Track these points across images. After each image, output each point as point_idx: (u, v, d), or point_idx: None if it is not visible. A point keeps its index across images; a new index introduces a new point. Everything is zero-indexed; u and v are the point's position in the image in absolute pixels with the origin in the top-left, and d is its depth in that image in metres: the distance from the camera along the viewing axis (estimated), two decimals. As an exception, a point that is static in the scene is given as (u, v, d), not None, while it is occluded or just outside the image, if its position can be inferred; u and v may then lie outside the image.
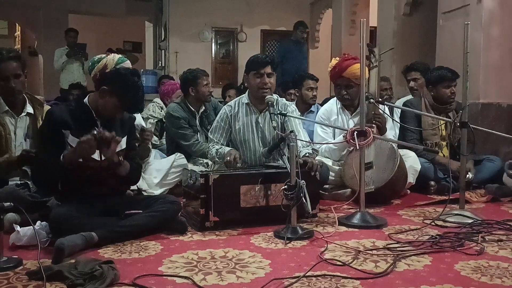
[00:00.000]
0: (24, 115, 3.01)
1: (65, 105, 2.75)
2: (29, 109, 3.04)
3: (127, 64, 3.58)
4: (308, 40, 10.17)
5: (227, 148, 3.29)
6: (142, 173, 3.31)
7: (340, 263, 2.17)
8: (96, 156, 2.50)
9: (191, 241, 2.55)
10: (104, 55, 3.53)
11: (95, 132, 2.41)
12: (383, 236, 2.64)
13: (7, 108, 2.95)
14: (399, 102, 4.83)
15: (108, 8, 11.09)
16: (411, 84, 4.82)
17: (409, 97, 4.78)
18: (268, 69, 3.26)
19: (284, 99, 3.58)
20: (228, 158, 3.11)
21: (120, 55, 3.61)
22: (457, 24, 4.82)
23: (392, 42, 6.48)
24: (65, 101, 6.64)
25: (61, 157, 2.47)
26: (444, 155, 3.97)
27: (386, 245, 2.45)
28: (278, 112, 3.17)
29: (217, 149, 3.29)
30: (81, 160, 2.48)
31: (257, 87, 3.28)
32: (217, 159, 3.31)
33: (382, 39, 6.84)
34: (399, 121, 4.06)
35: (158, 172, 3.73)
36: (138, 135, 3.35)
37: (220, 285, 1.94)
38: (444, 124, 4.01)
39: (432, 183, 3.88)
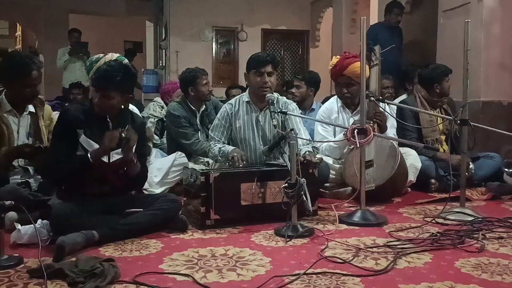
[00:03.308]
0: (26, 114, 3.05)
1: (80, 104, 2.79)
2: (31, 108, 3.07)
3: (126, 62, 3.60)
4: (309, 39, 10.20)
5: (230, 147, 3.28)
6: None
7: (340, 261, 2.17)
8: (105, 158, 2.58)
9: (192, 239, 2.56)
10: (102, 55, 3.54)
11: (121, 130, 2.53)
12: (384, 234, 2.64)
13: (10, 107, 2.98)
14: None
15: (108, 7, 11.10)
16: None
17: (403, 97, 4.80)
18: (269, 68, 3.26)
19: (284, 97, 3.58)
20: (235, 154, 3.11)
21: (118, 54, 3.63)
22: (457, 22, 4.81)
23: (393, 40, 6.47)
24: (65, 100, 6.66)
25: (88, 155, 2.52)
26: (444, 151, 3.98)
27: (387, 242, 2.45)
28: (279, 110, 3.17)
29: (219, 148, 3.29)
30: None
31: (258, 86, 3.28)
32: (219, 158, 3.31)
33: (382, 38, 6.82)
34: (397, 119, 4.07)
35: (159, 171, 3.74)
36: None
37: (221, 282, 1.94)
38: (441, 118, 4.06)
39: (433, 181, 3.89)
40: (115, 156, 2.61)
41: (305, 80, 4.94)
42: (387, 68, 5.11)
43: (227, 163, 3.25)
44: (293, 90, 4.83)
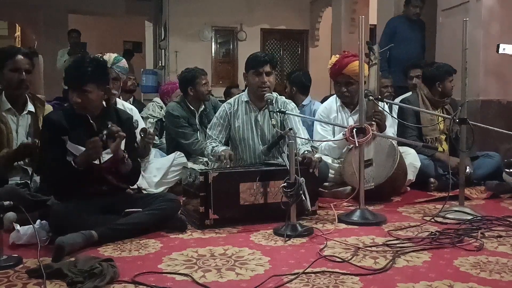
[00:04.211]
0: (26, 113, 3.05)
1: (62, 110, 2.76)
2: (30, 107, 3.07)
3: (123, 62, 3.62)
4: (308, 38, 10.21)
5: (222, 147, 3.29)
6: (142, 172, 3.32)
7: (339, 260, 2.17)
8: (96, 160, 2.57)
9: (191, 239, 2.56)
10: (99, 55, 3.55)
11: (100, 135, 2.47)
12: (383, 233, 2.64)
13: (9, 106, 2.98)
14: (397, 100, 4.83)
15: (108, 8, 11.10)
16: (414, 81, 4.83)
17: (406, 94, 4.79)
18: (267, 68, 3.26)
19: (283, 97, 3.58)
20: (222, 154, 3.10)
21: (116, 54, 3.64)
22: (456, 21, 4.80)
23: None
24: (65, 100, 6.66)
25: (72, 162, 2.49)
26: (443, 150, 3.98)
27: (386, 241, 2.45)
28: (277, 110, 3.17)
29: (212, 147, 3.29)
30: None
31: (256, 86, 3.28)
32: (211, 157, 3.32)
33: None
34: (397, 119, 4.07)
35: (158, 170, 3.74)
36: (140, 136, 3.36)
37: (220, 282, 1.94)
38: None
39: (432, 180, 3.88)
40: (106, 156, 2.59)
41: (288, 80, 5.01)
42: (409, 64, 5.03)
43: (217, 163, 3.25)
44: (285, 90, 4.96)
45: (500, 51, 3.59)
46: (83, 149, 2.52)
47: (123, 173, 2.67)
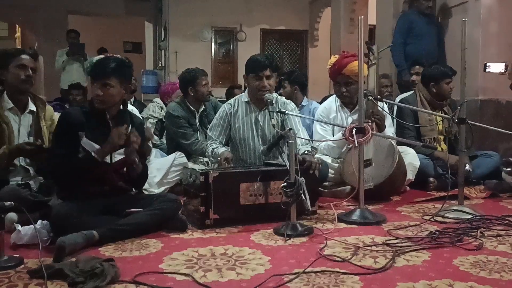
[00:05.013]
0: (27, 113, 3.05)
1: (80, 107, 2.81)
2: (32, 107, 3.08)
3: None
4: (308, 38, 10.22)
5: (222, 149, 3.30)
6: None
7: (339, 259, 2.18)
8: (107, 158, 2.61)
9: (192, 238, 2.57)
10: (102, 56, 3.57)
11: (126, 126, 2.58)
12: (382, 232, 2.65)
13: (12, 105, 2.99)
14: (396, 100, 4.83)
15: (107, 8, 11.11)
16: (413, 77, 4.83)
17: (405, 94, 4.80)
18: (267, 72, 3.25)
19: (283, 97, 3.59)
20: (219, 158, 3.11)
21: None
22: (455, 21, 4.83)
23: (391, 39, 6.47)
24: (64, 101, 6.67)
25: (93, 153, 2.54)
26: (442, 150, 3.99)
27: (385, 241, 2.45)
28: (277, 110, 3.18)
29: (213, 148, 3.31)
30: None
31: (256, 89, 3.28)
32: (211, 158, 3.34)
33: (381, 37, 6.83)
34: (396, 118, 4.08)
35: (159, 171, 3.75)
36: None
37: (220, 281, 1.95)
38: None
39: (431, 179, 3.89)
40: (117, 156, 2.63)
41: (288, 79, 5.03)
42: (425, 61, 4.97)
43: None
44: (281, 90, 4.96)
45: (486, 69, 3.62)
46: (98, 146, 2.56)
47: (132, 176, 2.70)
